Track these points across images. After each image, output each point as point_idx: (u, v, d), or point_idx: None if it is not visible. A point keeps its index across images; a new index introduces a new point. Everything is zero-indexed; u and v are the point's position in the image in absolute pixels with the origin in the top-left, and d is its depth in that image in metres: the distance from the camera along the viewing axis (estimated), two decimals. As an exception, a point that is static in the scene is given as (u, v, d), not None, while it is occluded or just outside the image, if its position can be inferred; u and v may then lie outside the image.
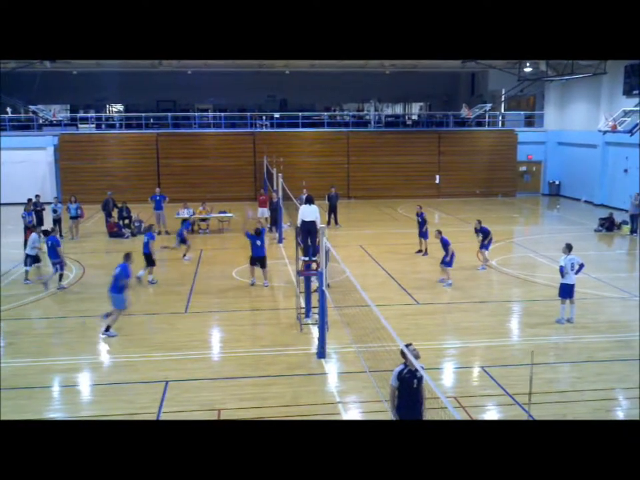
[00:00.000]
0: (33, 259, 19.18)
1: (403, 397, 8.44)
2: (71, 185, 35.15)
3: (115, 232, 26.43)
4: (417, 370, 8.24)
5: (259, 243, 17.92)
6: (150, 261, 18.57)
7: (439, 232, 18.80)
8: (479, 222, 20.47)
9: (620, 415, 10.57)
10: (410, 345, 8.38)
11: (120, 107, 46.44)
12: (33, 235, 19.57)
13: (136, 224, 27.06)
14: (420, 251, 22.31)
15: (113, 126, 40.70)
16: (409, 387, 8.36)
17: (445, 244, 18.29)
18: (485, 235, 19.94)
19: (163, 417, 10.35)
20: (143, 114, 39.61)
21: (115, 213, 27.42)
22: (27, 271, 18.90)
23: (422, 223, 22.13)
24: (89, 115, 41.60)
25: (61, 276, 18.28)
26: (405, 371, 8.39)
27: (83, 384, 12.04)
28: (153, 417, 10.32)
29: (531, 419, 9.90)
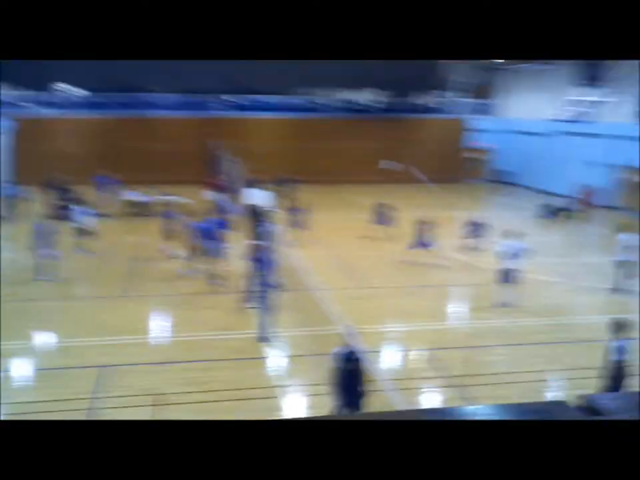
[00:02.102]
0: None
1: (342, 378, 8.53)
2: (16, 167, 34.19)
3: (58, 214, 25.80)
4: (355, 351, 8.33)
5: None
6: None
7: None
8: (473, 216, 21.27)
9: (552, 396, 10.86)
10: (350, 326, 8.46)
11: (67, 87, 45.21)
12: None
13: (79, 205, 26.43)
14: (374, 237, 22.56)
15: (59, 108, 39.59)
16: (347, 368, 8.46)
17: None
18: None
19: (102, 403, 10.21)
20: (92, 94, 38.62)
21: (58, 195, 26.78)
22: None
23: (382, 209, 22.54)
24: (41, 97, 40.43)
25: None
26: (344, 352, 8.48)
27: (16, 369, 11.76)
28: (89, 403, 10.17)
29: (467, 401, 10.10)
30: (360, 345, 8.11)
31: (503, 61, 35.82)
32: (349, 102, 46.66)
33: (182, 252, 18.54)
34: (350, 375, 8.52)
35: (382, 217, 22.48)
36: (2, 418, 9.63)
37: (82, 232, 20.07)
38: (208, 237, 16.78)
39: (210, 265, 16.72)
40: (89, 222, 20.41)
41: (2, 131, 35.25)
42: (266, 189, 21.07)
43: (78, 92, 42.19)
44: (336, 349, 8.63)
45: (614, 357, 9.03)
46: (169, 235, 19.39)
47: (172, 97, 39.83)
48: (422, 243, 19.02)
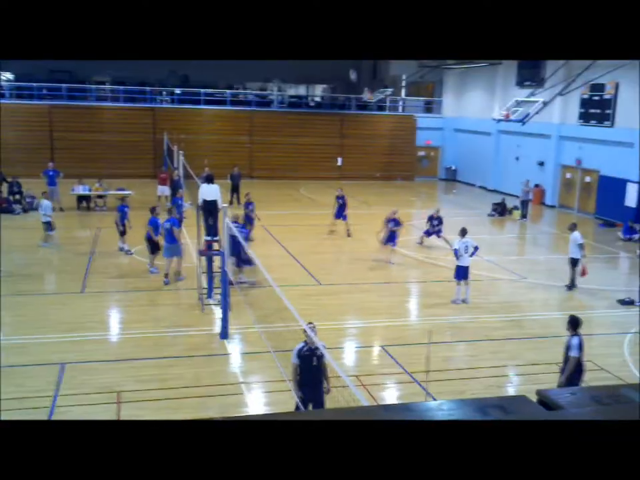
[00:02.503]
0: None
1: (304, 374, 8.58)
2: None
3: (4, 207, 25.08)
4: (316, 348, 8.37)
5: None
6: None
7: (394, 212, 19.43)
8: (437, 210, 21.50)
9: (511, 391, 11.10)
10: (311, 323, 8.48)
11: (9, 75, 43.92)
12: None
13: (27, 200, 25.78)
14: (332, 232, 22.69)
15: (2, 95, 38.43)
16: (309, 364, 8.52)
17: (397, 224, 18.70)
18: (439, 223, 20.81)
19: (59, 400, 9.98)
20: (35, 84, 37.64)
21: (4, 188, 26.02)
22: None
23: (343, 205, 22.49)
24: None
25: None
26: (305, 348, 8.53)
27: (-30, 367, 11.41)
28: (48, 401, 9.94)
29: (429, 396, 10.23)
30: (321, 342, 8.13)
31: (451, 61, 36.32)
32: (301, 97, 46.68)
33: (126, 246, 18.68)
34: (312, 372, 8.57)
35: (341, 210, 22.58)
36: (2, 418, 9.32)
37: (48, 225, 20.00)
38: (168, 233, 16.53)
39: (170, 261, 16.50)
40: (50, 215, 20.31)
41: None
42: (217, 184, 20.90)
43: (12, 79, 41.10)
44: (297, 346, 8.65)
45: (572, 353, 9.28)
46: (122, 230, 19.05)
47: (122, 88, 39.08)
48: (391, 238, 19.05)
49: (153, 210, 17.35)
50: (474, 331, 13.82)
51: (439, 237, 20.87)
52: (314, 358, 8.49)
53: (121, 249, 19.25)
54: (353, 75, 36.38)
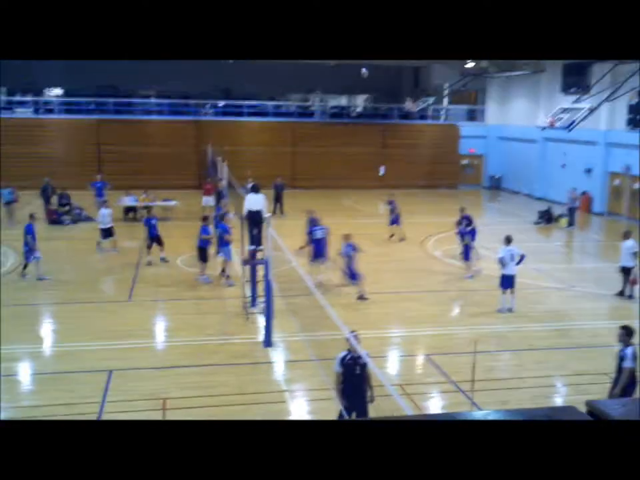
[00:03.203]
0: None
1: (347, 382, 8.55)
2: (8, 171, 33.96)
3: (54, 219, 25.72)
4: (359, 356, 8.33)
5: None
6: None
7: (462, 208, 19.67)
8: (462, 209, 21.09)
9: (558, 402, 10.90)
10: (353, 331, 8.47)
11: (59, 91, 45.05)
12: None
13: (76, 211, 26.38)
14: (392, 235, 23.21)
15: (51, 110, 39.49)
16: (352, 373, 8.48)
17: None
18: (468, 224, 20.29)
19: (107, 407, 10.17)
20: (83, 99, 38.58)
21: (53, 200, 26.67)
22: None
23: (393, 210, 23.00)
24: (27, 98, 40.23)
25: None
26: (348, 357, 8.50)
27: (22, 373, 11.71)
28: (95, 407, 10.13)
29: (474, 406, 10.11)
30: (364, 350, 8.11)
31: (494, 68, 35.98)
32: (343, 107, 46.75)
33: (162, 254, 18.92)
34: (355, 380, 8.54)
35: (395, 217, 23.03)
36: (2, 418, 9.54)
37: (106, 232, 20.90)
38: (220, 239, 17.27)
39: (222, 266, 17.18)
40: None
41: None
42: (263, 194, 21.08)
43: (58, 94, 42.10)
44: (340, 354, 8.64)
45: (626, 364, 9.05)
46: (149, 244, 19.30)
47: (166, 101, 39.75)
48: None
49: (204, 219, 17.67)
50: (519, 340, 13.62)
51: (473, 239, 19.97)
52: (357, 367, 8.46)
53: (162, 259, 19.50)
54: (363, 71, 36.30)
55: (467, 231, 19.71)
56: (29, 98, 40.18)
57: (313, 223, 18.35)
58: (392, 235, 23.24)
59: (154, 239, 19.33)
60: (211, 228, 17.81)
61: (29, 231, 17.31)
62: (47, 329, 14.04)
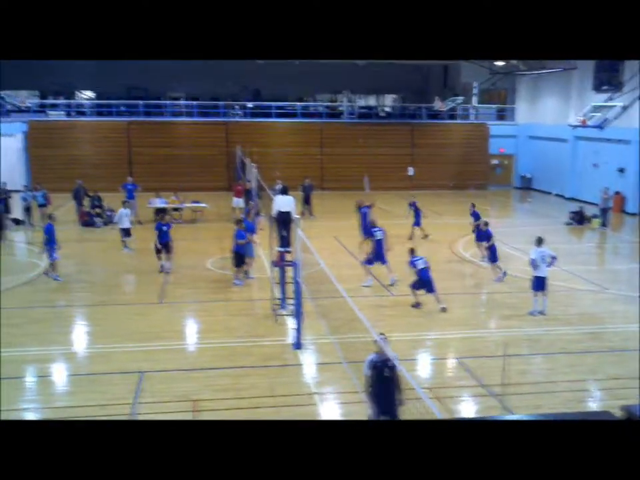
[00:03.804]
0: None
1: (376, 386, 8.53)
2: (41, 173, 34.57)
3: (86, 221, 26.06)
4: (388, 359, 8.29)
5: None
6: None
7: (486, 223, 19.25)
8: (473, 205, 21.12)
9: (592, 406, 10.74)
10: (382, 334, 8.44)
11: (90, 93, 45.70)
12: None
13: (107, 213, 26.70)
14: (426, 236, 23.28)
15: (83, 113, 40.04)
16: (381, 375, 8.43)
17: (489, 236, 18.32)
18: (476, 219, 20.15)
19: (138, 408, 10.27)
20: (114, 101, 39.06)
21: (86, 202, 27.03)
22: None
23: (416, 211, 23.20)
24: (59, 101, 40.85)
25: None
26: (377, 360, 8.47)
27: (55, 374, 11.89)
28: (127, 408, 10.24)
29: (505, 410, 10.02)
30: (393, 353, 8.08)
31: (524, 66, 35.63)
32: (371, 108, 46.68)
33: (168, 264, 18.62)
34: (384, 383, 8.50)
35: (418, 217, 23.25)
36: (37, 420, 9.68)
37: (126, 232, 21.21)
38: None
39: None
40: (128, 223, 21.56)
41: (16, 136, 35.65)
42: (291, 195, 21.18)
43: (94, 97, 42.66)
44: (369, 357, 8.62)
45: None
46: (159, 249, 18.88)
47: (196, 103, 40.06)
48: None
49: (238, 222, 17.58)
50: (551, 343, 13.46)
51: (488, 241, 19.08)
52: (386, 369, 8.39)
53: (161, 268, 18.69)
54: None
55: (482, 234, 19.13)
56: (61, 101, 40.80)
57: (371, 224, 18.25)
58: (426, 235, 23.35)
59: (163, 245, 18.56)
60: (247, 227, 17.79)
61: (47, 231, 17.68)
62: (79, 331, 14.23)
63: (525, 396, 10.93)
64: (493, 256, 17.95)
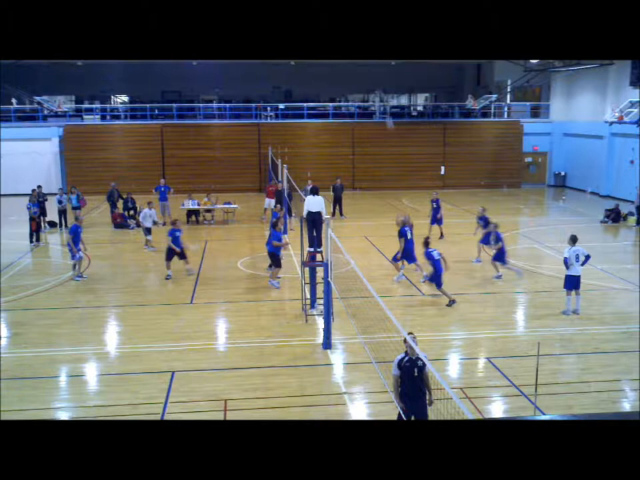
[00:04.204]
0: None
1: (405, 385, 8.51)
2: (76, 176, 35.18)
3: (119, 223, 26.44)
4: (417, 358, 8.28)
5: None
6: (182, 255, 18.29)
7: (484, 209, 19.44)
8: (483, 209, 20.58)
9: (626, 407, 10.55)
10: (411, 333, 8.40)
11: (125, 97, 46.38)
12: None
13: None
14: (442, 236, 22.96)
15: (117, 117, 40.64)
16: (409, 375, 8.41)
17: (498, 238, 18.05)
18: (485, 224, 19.74)
19: (170, 407, 10.38)
20: (148, 105, 39.57)
21: (119, 204, 27.41)
22: None
23: (437, 209, 22.70)
24: (94, 105, 41.52)
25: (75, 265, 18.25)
26: (405, 359, 8.45)
27: (88, 374, 12.07)
28: (159, 407, 10.36)
29: (537, 410, 9.89)
30: (422, 353, 8.03)
31: (556, 62, 35.11)
32: (403, 107, 46.50)
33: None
34: (413, 383, 8.47)
35: (435, 215, 22.88)
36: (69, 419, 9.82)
37: (149, 231, 21.69)
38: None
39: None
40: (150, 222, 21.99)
41: (52, 140, 36.31)
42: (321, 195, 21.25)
43: (128, 101, 43.25)
44: (398, 357, 8.59)
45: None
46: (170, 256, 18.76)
47: (228, 105, 40.34)
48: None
49: (274, 225, 17.47)
50: (585, 343, 13.25)
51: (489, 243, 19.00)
52: (415, 369, 8.38)
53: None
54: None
55: (489, 238, 18.68)
56: (96, 105, 41.47)
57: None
58: (442, 236, 23.09)
59: (175, 252, 18.05)
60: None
61: (71, 231, 18.14)
62: (111, 331, 14.43)
63: (557, 396, 10.78)
64: (501, 257, 17.75)
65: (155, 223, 22.42)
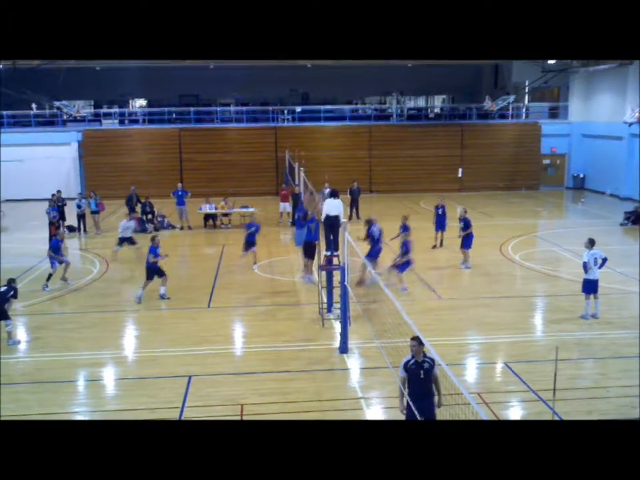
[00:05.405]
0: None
1: (411, 387, 8.61)
2: (95, 181, 35.47)
3: (138, 227, 26.55)
4: (423, 361, 8.44)
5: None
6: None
7: (465, 210, 19.38)
8: (465, 211, 20.07)
9: (645, 413, 10.43)
10: (414, 338, 8.47)
11: (143, 102, 46.69)
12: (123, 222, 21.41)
13: (159, 219, 27.22)
14: (435, 246, 22.07)
15: (136, 121, 40.91)
16: (416, 377, 8.53)
17: (467, 225, 18.21)
18: (466, 226, 19.35)
19: (187, 412, 10.43)
20: (166, 109, 39.82)
21: (138, 208, 27.57)
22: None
23: (442, 215, 21.88)
24: (113, 110, 41.84)
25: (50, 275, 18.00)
26: (412, 362, 8.57)
27: (106, 378, 12.17)
28: (176, 412, 10.41)
29: (555, 415, 9.81)
30: (432, 356, 8.04)
31: (575, 63, 34.83)
32: (420, 109, 46.38)
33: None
34: (419, 385, 8.56)
35: (441, 222, 22.08)
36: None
37: (127, 241, 21.41)
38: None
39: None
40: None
41: (72, 144, 36.63)
42: (339, 198, 21.23)
43: (146, 105, 43.54)
44: (404, 359, 8.68)
45: None
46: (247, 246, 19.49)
47: (245, 109, 40.48)
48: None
49: (305, 217, 17.06)
50: (603, 347, 13.12)
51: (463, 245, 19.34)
52: (420, 371, 8.51)
53: (161, 296, 16.89)
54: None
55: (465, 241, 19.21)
56: (114, 109, 41.78)
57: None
58: (435, 246, 22.14)
59: (154, 270, 16.71)
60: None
61: (52, 246, 18.37)
62: (128, 335, 14.52)
63: (576, 401, 10.70)
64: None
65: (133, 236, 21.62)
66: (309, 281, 16.82)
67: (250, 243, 19.55)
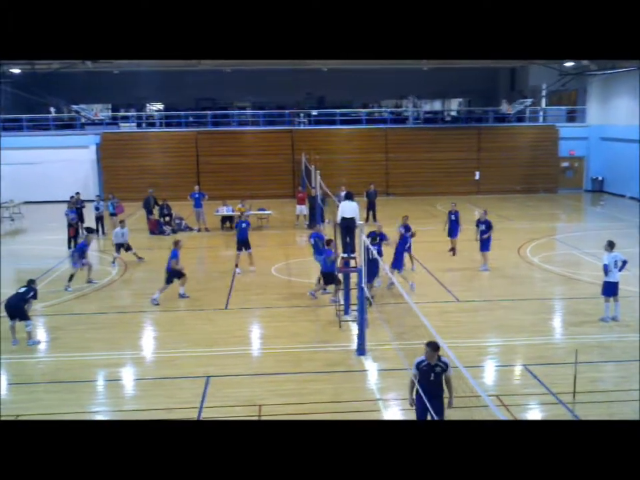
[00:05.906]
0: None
1: (421, 386, 8.71)
2: (113, 183, 35.70)
3: (155, 229, 26.73)
4: (436, 365, 8.52)
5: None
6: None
7: (485, 212, 19.35)
8: (485, 212, 19.94)
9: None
10: (430, 344, 8.49)
11: (160, 105, 46.94)
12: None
13: (176, 221, 27.35)
14: (452, 249, 21.43)
15: (153, 124, 41.15)
16: (426, 378, 8.63)
17: (489, 226, 18.24)
18: (487, 228, 19.14)
19: (205, 412, 10.45)
20: (183, 112, 40.01)
21: (155, 211, 27.71)
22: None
23: (455, 221, 21.11)
24: (130, 113, 42.10)
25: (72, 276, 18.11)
26: (424, 363, 8.65)
27: (125, 378, 12.22)
28: (194, 412, 10.43)
29: (575, 418, 9.74)
30: (449, 358, 8.02)
31: (592, 65, 34.61)
32: (436, 112, 46.24)
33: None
34: (429, 385, 8.63)
35: (454, 228, 21.35)
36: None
37: (117, 247, 21.33)
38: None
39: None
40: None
41: (90, 147, 36.90)
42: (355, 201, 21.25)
43: (163, 108, 43.76)
44: (417, 359, 8.72)
45: None
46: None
47: (261, 112, 40.60)
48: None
49: (328, 243, 16.55)
50: (624, 350, 12.99)
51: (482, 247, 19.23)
52: (432, 373, 8.60)
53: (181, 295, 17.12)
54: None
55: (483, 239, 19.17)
56: (132, 113, 42.05)
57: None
58: (452, 249, 21.36)
59: (175, 273, 16.76)
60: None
61: (78, 248, 18.75)
62: (147, 336, 14.59)
63: (596, 405, 10.60)
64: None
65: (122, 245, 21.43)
66: (314, 297, 16.72)
67: (242, 241, 19.49)
